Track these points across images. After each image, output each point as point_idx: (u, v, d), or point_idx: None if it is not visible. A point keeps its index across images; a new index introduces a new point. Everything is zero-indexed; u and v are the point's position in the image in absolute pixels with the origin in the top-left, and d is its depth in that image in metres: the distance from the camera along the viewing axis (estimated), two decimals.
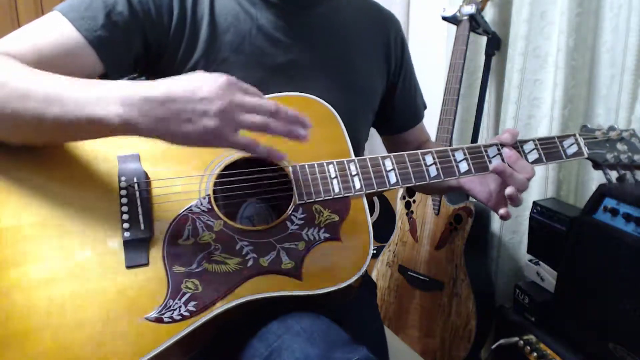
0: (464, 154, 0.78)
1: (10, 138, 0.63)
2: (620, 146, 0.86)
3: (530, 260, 1.29)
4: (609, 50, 1.24)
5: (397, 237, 1.61)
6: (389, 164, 0.76)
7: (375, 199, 1.99)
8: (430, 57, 1.91)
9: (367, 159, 0.75)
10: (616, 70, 1.22)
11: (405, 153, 0.77)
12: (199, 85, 0.58)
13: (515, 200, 0.76)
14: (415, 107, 1.02)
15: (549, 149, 0.81)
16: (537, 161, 0.80)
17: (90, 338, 0.59)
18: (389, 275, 1.62)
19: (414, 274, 1.54)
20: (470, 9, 1.43)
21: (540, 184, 1.39)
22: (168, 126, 0.57)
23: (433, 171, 0.77)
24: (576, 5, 1.25)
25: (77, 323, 0.60)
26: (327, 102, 0.79)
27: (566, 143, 0.83)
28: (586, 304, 1.02)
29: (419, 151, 0.77)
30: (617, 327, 0.95)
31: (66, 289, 0.61)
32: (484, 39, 1.54)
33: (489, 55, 1.52)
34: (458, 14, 1.47)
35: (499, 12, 1.55)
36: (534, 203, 1.27)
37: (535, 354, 1.13)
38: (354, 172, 0.74)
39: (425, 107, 1.06)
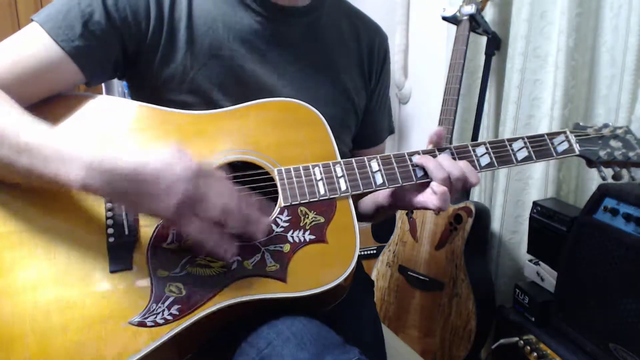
0: (451, 153, 0.78)
1: None
2: (614, 143, 0.84)
3: (530, 260, 1.29)
4: (609, 50, 1.24)
5: (397, 237, 1.61)
6: (375, 166, 0.76)
7: None
8: (430, 57, 1.91)
9: (353, 161, 0.75)
10: (616, 70, 1.22)
11: (391, 154, 0.77)
12: (166, 170, 0.58)
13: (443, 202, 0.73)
14: (379, 127, 0.99)
15: (539, 146, 0.80)
16: (527, 159, 0.80)
17: (74, 342, 0.59)
18: (389, 275, 1.62)
19: (414, 274, 1.54)
20: (470, 9, 1.43)
21: (540, 184, 1.39)
22: (124, 200, 0.59)
23: (420, 171, 0.76)
24: (576, 5, 1.25)
25: (61, 328, 0.60)
26: None
27: (556, 140, 0.82)
28: (586, 304, 1.02)
29: (405, 152, 0.77)
30: (617, 327, 0.95)
31: (51, 294, 0.61)
32: (484, 39, 1.54)
33: (489, 55, 1.52)
34: (458, 14, 1.47)
35: (499, 12, 1.55)
36: (534, 203, 1.27)
37: (535, 354, 1.13)
38: (339, 174, 0.74)
39: (391, 132, 1.02)
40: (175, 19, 0.76)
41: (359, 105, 0.91)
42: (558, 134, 0.83)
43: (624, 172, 0.85)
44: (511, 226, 1.50)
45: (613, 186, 1.03)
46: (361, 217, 0.98)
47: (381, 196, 0.86)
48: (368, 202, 0.93)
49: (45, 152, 0.59)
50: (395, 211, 0.92)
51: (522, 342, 1.17)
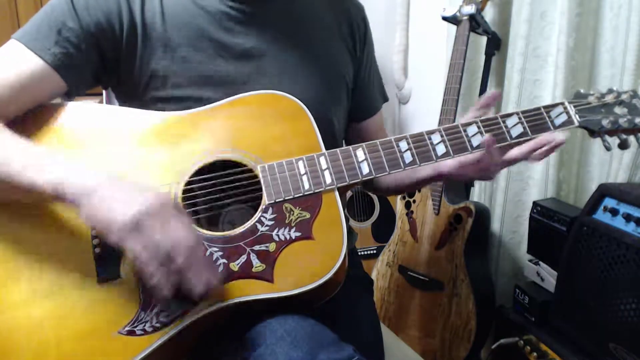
0: (441, 136, 0.76)
1: None
2: (618, 110, 0.79)
3: (530, 260, 1.29)
4: (609, 50, 1.24)
5: (397, 237, 1.61)
6: (360, 155, 0.74)
7: (376, 199, 1.99)
8: (430, 57, 1.91)
9: (338, 151, 0.73)
10: (616, 70, 1.22)
11: (377, 141, 0.75)
12: (136, 187, 0.61)
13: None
14: (372, 97, 0.99)
15: (534, 120, 0.77)
16: (522, 135, 0.77)
17: (68, 354, 0.60)
18: (389, 275, 1.62)
19: (414, 274, 1.54)
20: (470, 9, 1.43)
21: (540, 184, 1.39)
22: (89, 203, 0.59)
23: (408, 157, 0.75)
24: (576, 5, 1.25)
25: (55, 341, 0.60)
26: (295, 87, 0.78)
27: (554, 113, 0.78)
28: (586, 304, 1.02)
29: (392, 137, 0.76)
30: (617, 327, 0.95)
31: (43, 307, 0.61)
32: (484, 39, 1.54)
33: (489, 55, 1.52)
34: (458, 14, 1.47)
35: (499, 12, 1.55)
36: (534, 203, 1.27)
37: (535, 354, 1.13)
38: (324, 167, 0.72)
39: (385, 100, 1.02)
40: (147, 18, 0.76)
41: (348, 75, 0.91)
42: (555, 105, 0.78)
43: (631, 139, 0.80)
44: (511, 226, 1.50)
45: (613, 186, 1.03)
46: (395, 190, 1.00)
47: (431, 170, 0.85)
48: (402, 176, 0.92)
49: (23, 162, 0.61)
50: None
51: (522, 342, 1.17)
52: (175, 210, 0.61)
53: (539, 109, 0.78)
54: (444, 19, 1.52)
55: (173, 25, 0.77)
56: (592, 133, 0.80)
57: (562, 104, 0.79)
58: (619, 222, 0.97)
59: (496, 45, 1.53)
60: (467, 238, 1.43)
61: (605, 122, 0.78)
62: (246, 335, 0.65)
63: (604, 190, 1.02)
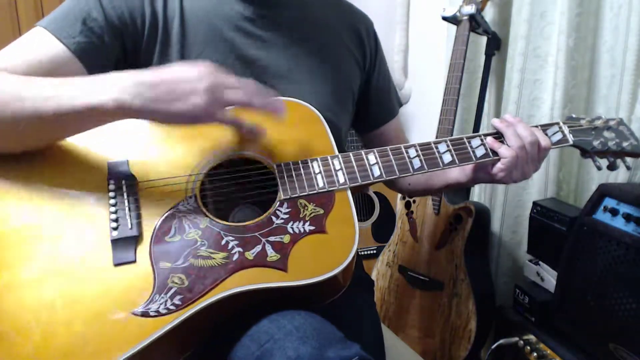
0: (447, 146, 0.80)
1: (13, 144, 0.67)
2: (607, 134, 0.86)
3: (530, 260, 1.29)
4: (609, 50, 1.24)
5: (397, 237, 1.61)
6: (372, 158, 0.78)
7: (376, 199, 1.99)
8: (430, 57, 1.91)
9: (351, 154, 0.77)
10: (616, 70, 1.22)
11: (388, 147, 0.79)
12: (186, 69, 0.65)
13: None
14: (389, 102, 1.03)
15: None
16: None
17: (79, 335, 0.60)
18: (389, 275, 1.62)
19: (414, 274, 1.54)
20: (470, 9, 1.43)
21: (540, 184, 1.39)
22: (159, 105, 0.63)
23: (417, 163, 0.79)
24: (576, 5, 1.25)
25: (66, 321, 0.61)
26: (304, 93, 0.82)
27: (550, 131, 0.84)
28: (586, 304, 1.02)
29: (402, 145, 0.79)
30: (617, 327, 0.95)
31: (55, 287, 0.62)
32: (484, 39, 1.54)
33: (489, 55, 1.52)
34: (458, 14, 1.47)
35: (499, 12, 1.55)
36: (534, 203, 1.27)
37: (535, 354, 1.13)
38: (337, 167, 0.76)
39: (400, 105, 1.07)
40: (169, 15, 0.79)
41: (355, 86, 0.94)
42: (551, 125, 0.85)
43: (619, 161, 0.87)
44: (511, 226, 1.50)
45: (613, 186, 1.03)
46: (428, 191, 1.05)
47: (455, 174, 0.90)
48: (436, 181, 0.96)
49: (71, 91, 0.63)
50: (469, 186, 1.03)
51: (522, 342, 1.17)
52: (222, 70, 0.67)
53: (536, 126, 0.83)
54: (444, 19, 1.52)
55: (190, 25, 0.80)
56: (585, 153, 0.86)
57: (557, 123, 0.85)
58: (619, 222, 0.97)
59: (496, 45, 1.53)
60: (467, 238, 1.43)
61: (596, 143, 0.85)
62: (254, 330, 0.65)
63: (604, 190, 1.02)
